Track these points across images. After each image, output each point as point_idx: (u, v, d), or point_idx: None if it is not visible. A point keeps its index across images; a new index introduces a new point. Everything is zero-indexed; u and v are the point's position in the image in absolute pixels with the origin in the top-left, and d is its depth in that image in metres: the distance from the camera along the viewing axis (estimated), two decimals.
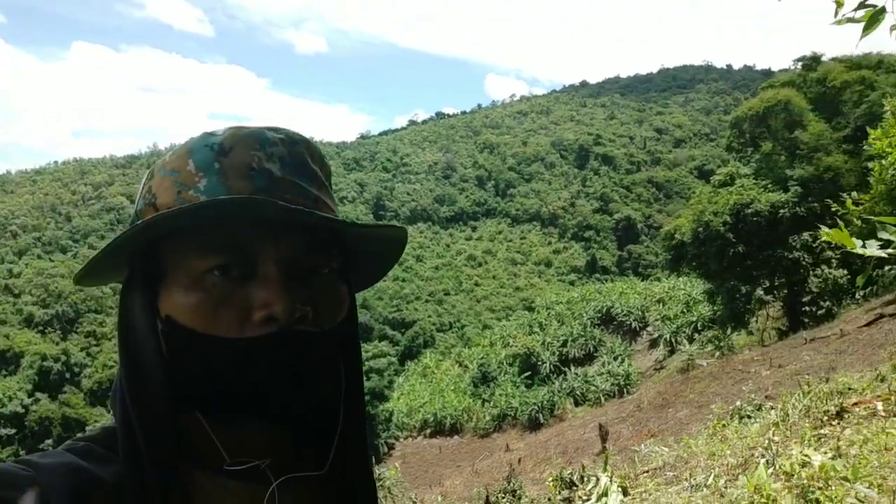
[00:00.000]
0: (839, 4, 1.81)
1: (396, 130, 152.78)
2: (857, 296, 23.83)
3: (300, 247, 0.67)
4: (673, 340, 31.62)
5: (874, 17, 1.76)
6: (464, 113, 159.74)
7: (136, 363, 0.66)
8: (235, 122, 0.77)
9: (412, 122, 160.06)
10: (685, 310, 34.81)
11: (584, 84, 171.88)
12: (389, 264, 0.82)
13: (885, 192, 9.93)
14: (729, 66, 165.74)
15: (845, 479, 3.96)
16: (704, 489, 5.71)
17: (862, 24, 1.78)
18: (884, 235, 2.23)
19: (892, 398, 6.45)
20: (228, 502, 0.67)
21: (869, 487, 3.87)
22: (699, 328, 31.91)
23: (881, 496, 3.79)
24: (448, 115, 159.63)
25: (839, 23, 1.77)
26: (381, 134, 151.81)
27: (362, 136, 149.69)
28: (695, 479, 6.18)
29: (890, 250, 2.09)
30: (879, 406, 6.36)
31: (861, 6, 1.75)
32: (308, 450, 0.75)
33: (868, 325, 16.96)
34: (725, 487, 5.53)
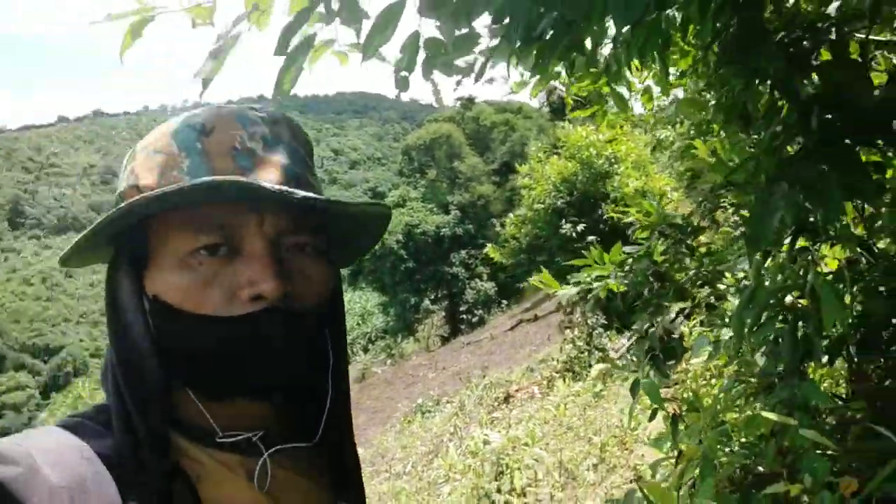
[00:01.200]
0: (568, 104, 2.40)
1: (42, 126, 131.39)
2: (502, 304, 27.85)
3: (285, 225, 0.68)
4: (350, 351, 32.91)
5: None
6: (128, 114, 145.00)
7: (125, 342, 0.67)
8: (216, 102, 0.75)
9: (62, 119, 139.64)
10: (360, 322, 36.67)
11: (261, 98, 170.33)
12: (372, 240, 0.84)
13: (531, 217, 12.17)
14: (398, 97, 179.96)
15: (526, 444, 4.90)
16: (405, 476, 6.29)
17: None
18: (575, 279, 2.70)
19: (544, 383, 7.96)
20: (223, 474, 0.68)
21: (540, 450, 4.85)
22: (373, 339, 33.79)
23: (549, 455, 4.78)
24: (109, 115, 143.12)
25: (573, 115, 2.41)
26: (20, 129, 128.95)
27: None
28: (394, 469, 6.76)
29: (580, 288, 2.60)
30: (536, 390, 7.79)
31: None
32: (298, 422, 0.76)
33: (511, 329, 20.06)
34: (423, 471, 6.19)
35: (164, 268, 0.66)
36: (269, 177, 0.67)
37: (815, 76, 1.13)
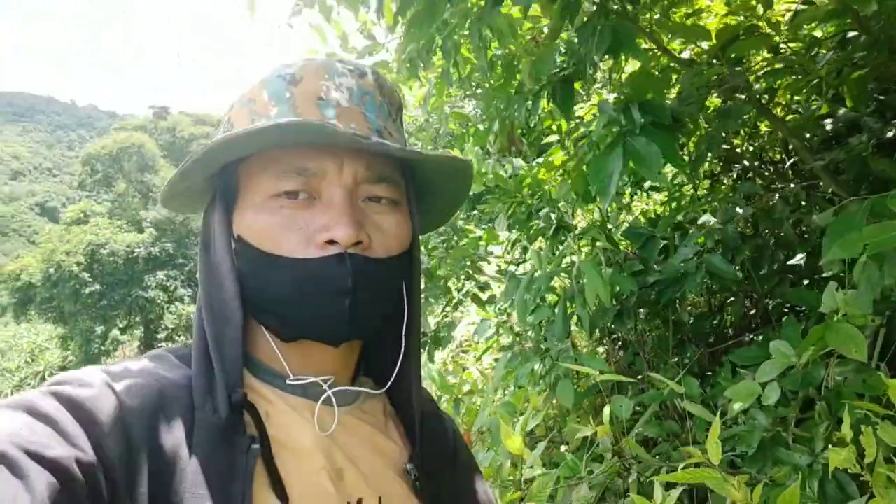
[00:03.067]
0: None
1: None
2: None
3: (363, 175, 0.70)
4: (12, 394, 27.97)
5: None
6: None
7: (213, 280, 0.71)
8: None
9: None
10: (30, 360, 31.35)
11: None
12: (458, 200, 0.84)
13: None
14: (73, 102, 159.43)
15: None
16: None
17: None
18: None
19: None
20: (290, 415, 0.70)
21: None
22: (47, 377, 29.16)
23: None
24: None
25: None
26: None
27: None
28: None
29: None
30: None
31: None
32: (370, 373, 0.81)
33: None
34: None
35: (248, 210, 0.70)
36: (350, 126, 0.69)
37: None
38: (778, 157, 2.74)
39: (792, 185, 2.27)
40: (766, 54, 1.89)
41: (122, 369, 0.65)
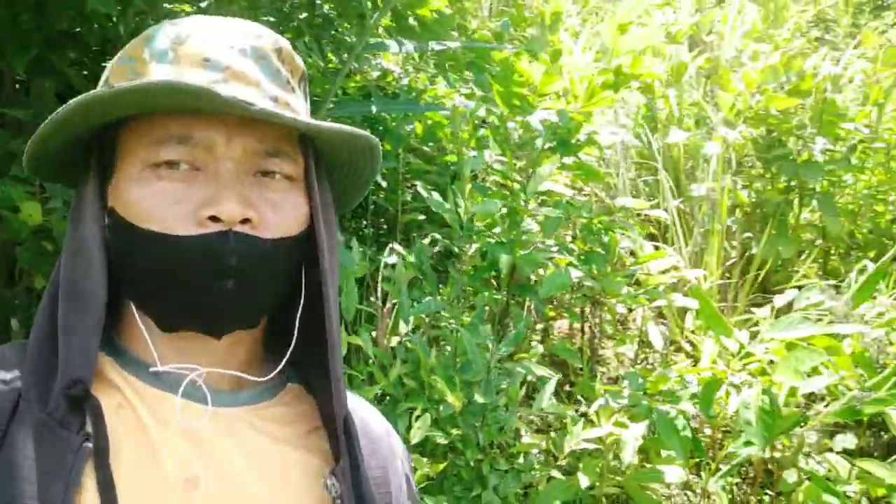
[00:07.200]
0: None
1: None
2: None
3: (255, 148, 0.62)
4: None
5: None
6: None
7: (78, 254, 0.62)
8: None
9: None
10: None
11: None
12: (364, 177, 0.75)
13: None
14: None
15: None
16: None
17: None
18: None
19: None
20: (142, 409, 0.62)
21: None
22: None
23: None
24: None
25: None
26: None
27: None
28: None
29: None
30: None
31: None
32: (263, 369, 0.69)
33: None
34: None
35: (124, 180, 0.62)
36: (237, 92, 0.60)
37: None
38: None
39: None
40: None
41: None
